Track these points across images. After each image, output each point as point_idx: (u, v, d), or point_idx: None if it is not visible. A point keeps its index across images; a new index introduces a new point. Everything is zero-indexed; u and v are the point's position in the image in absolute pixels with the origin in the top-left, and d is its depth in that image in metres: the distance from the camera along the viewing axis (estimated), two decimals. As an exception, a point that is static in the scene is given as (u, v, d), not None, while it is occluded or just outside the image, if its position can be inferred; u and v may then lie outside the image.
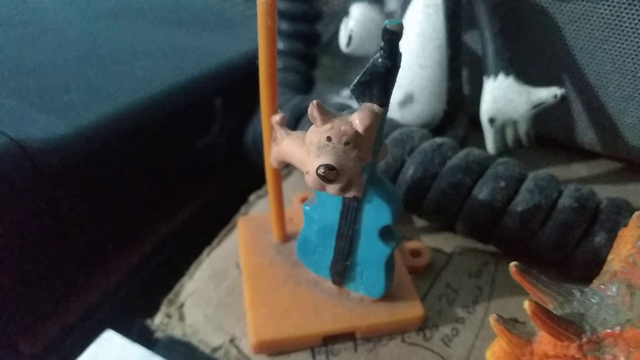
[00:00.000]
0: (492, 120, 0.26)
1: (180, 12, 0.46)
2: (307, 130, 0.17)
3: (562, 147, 0.32)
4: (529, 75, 0.27)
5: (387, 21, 0.15)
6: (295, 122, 0.28)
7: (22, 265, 0.27)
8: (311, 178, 0.16)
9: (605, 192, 0.25)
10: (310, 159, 0.16)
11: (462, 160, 0.24)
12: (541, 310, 0.16)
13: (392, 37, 0.15)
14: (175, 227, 0.37)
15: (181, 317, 0.22)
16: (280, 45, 0.35)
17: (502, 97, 0.25)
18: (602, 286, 0.17)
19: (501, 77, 0.25)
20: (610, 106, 0.28)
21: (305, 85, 0.36)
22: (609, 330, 0.16)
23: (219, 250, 0.25)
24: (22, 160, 0.26)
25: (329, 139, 0.16)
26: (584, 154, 0.32)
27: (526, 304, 0.16)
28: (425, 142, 0.25)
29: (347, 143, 0.16)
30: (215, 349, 0.21)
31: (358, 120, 0.16)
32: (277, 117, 0.19)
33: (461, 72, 0.28)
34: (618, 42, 0.26)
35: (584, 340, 0.16)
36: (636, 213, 0.18)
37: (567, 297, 0.17)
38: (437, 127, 0.27)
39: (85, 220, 0.30)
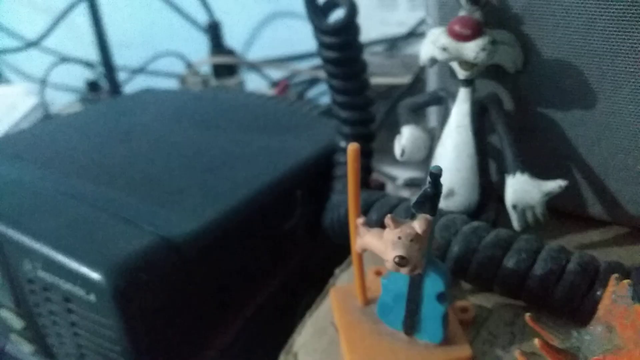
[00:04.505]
0: (514, 207, 0.34)
1: (259, 118, 0.57)
2: (381, 228, 0.26)
3: (577, 217, 0.40)
4: (542, 168, 0.36)
5: (432, 167, 0.24)
6: (364, 213, 0.37)
7: (164, 329, 0.37)
8: (390, 264, 0.25)
9: (611, 255, 0.33)
10: (388, 251, 0.26)
11: (494, 238, 0.32)
12: (546, 345, 0.24)
13: (435, 176, 0.24)
14: (268, 295, 0.46)
15: (297, 363, 0.31)
16: (344, 144, 0.45)
17: (520, 189, 0.34)
18: (591, 327, 0.25)
19: (518, 174, 0.34)
20: (611, 184, 0.37)
21: (364, 174, 0.45)
22: (597, 358, 0.24)
23: (317, 312, 0.34)
24: (168, 251, 0.36)
25: (399, 237, 0.25)
26: (595, 223, 0.40)
27: (536, 341, 0.24)
28: (465, 225, 0.33)
29: (412, 240, 0.25)
30: (324, 385, 0.30)
31: (418, 225, 0.25)
32: (360, 220, 0.29)
33: (489, 171, 0.37)
34: (612, 138, 0.35)
35: (580, 364, 0.24)
36: (613, 276, 0.26)
37: (567, 336, 0.26)
38: (474, 212, 0.36)
39: (207, 291, 0.40)
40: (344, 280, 0.37)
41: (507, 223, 0.36)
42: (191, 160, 0.47)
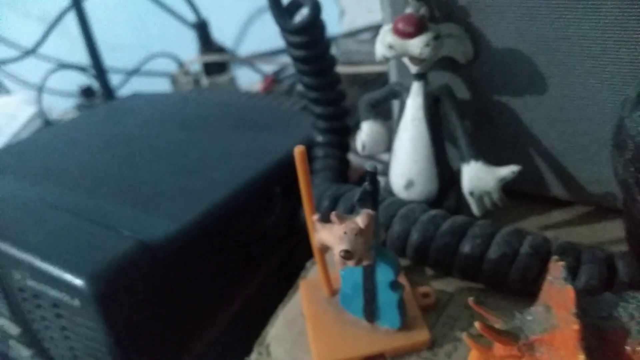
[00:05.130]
0: (471, 193, 0.36)
1: (241, 117, 0.58)
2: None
3: (541, 199, 0.41)
4: (502, 153, 0.37)
5: (367, 165, 0.26)
6: (333, 206, 0.39)
7: (142, 329, 0.39)
8: (337, 258, 0.27)
9: (574, 234, 0.34)
10: (335, 246, 0.27)
11: (450, 226, 0.34)
12: (486, 327, 0.25)
13: (371, 175, 0.26)
14: (253, 290, 0.48)
15: (269, 354, 0.33)
16: (320, 139, 0.47)
17: (475, 177, 0.35)
18: (533, 308, 0.27)
19: (472, 162, 0.35)
20: (570, 165, 0.38)
21: (341, 166, 0.47)
22: (536, 337, 0.26)
23: (289, 305, 0.36)
24: (147, 255, 0.38)
25: (345, 232, 0.27)
26: (559, 203, 0.41)
27: (476, 324, 0.25)
28: (424, 214, 0.35)
29: (356, 234, 0.27)
30: (293, 373, 0.32)
31: (361, 220, 0.27)
32: (315, 217, 0.30)
33: (447, 161, 0.38)
34: (566, 120, 0.36)
35: (521, 344, 0.26)
36: (553, 258, 0.27)
37: (512, 317, 0.27)
38: (435, 201, 0.38)
39: (189, 291, 0.42)
40: (315, 273, 0.38)
41: (469, 210, 0.37)
42: (172, 163, 0.49)
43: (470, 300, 0.27)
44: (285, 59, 0.92)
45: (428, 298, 0.34)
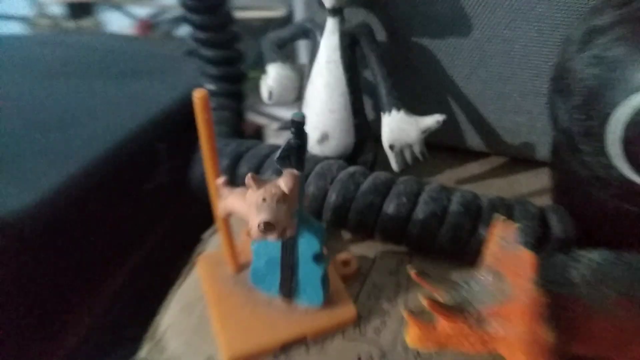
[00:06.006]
0: (391, 147, 0.32)
1: (115, 63, 0.50)
2: (246, 188, 0.22)
3: (456, 151, 0.39)
4: (419, 103, 0.34)
5: (293, 113, 0.20)
6: (234, 165, 0.33)
7: (18, 312, 0.31)
8: (254, 232, 0.21)
9: (492, 187, 0.32)
10: (252, 217, 0.22)
11: (371, 184, 0.30)
12: (434, 304, 0.22)
13: (298, 125, 0.20)
14: (139, 264, 0.41)
15: (163, 349, 0.27)
16: (212, 87, 0.40)
17: (396, 128, 0.31)
18: (482, 276, 0.23)
19: (394, 112, 0.31)
20: (489, 115, 0.35)
21: (236, 118, 0.40)
22: (487, 309, 0.22)
23: (184, 286, 0.30)
24: (3, 230, 0.30)
25: (264, 199, 0.21)
26: (474, 155, 0.38)
27: (422, 300, 0.22)
28: (342, 172, 0.30)
29: (278, 201, 0.21)
30: (196, 369, 0.26)
31: (284, 183, 0.21)
32: (220, 180, 0.24)
33: (364, 111, 0.34)
34: (488, 66, 0.33)
35: (470, 319, 0.23)
36: (497, 218, 0.24)
37: (457, 288, 0.24)
38: (351, 155, 0.33)
39: (59, 272, 0.34)
40: (215, 246, 0.32)
41: (386, 164, 0.33)
42: (36, 117, 0.40)
43: (413, 272, 0.23)
44: (163, 1, 0.82)
45: (349, 266, 0.30)
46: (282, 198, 0.21)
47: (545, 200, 0.33)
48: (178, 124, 0.43)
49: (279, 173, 0.22)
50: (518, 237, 0.22)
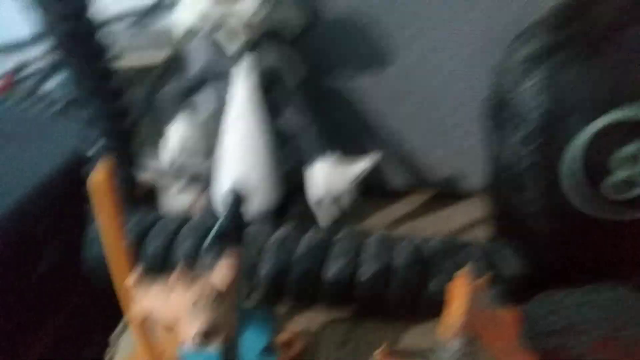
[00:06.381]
0: (319, 202, 0.29)
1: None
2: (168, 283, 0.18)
3: (376, 193, 0.36)
4: (340, 142, 0.31)
5: (231, 184, 0.16)
6: (139, 242, 0.28)
7: None
8: (191, 345, 0.17)
9: (426, 224, 0.31)
10: (184, 324, 0.17)
11: (305, 249, 0.26)
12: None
13: (236, 198, 0.16)
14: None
15: None
16: (95, 150, 0.34)
17: (323, 182, 0.28)
18: (450, 342, 0.21)
19: (320, 163, 0.28)
20: (410, 151, 0.33)
21: (129, 184, 0.35)
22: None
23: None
24: None
25: (196, 303, 0.17)
26: (395, 195, 0.36)
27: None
28: (270, 239, 0.26)
29: (215, 301, 0.17)
30: None
31: (219, 279, 0.17)
32: (132, 280, 0.19)
33: (289, 157, 0.30)
34: (409, 100, 0.31)
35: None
36: (459, 273, 0.21)
37: (427, 357, 0.21)
38: (277, 211, 0.29)
39: None
40: (128, 349, 0.27)
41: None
42: None
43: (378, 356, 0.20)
44: (26, 53, 0.73)
45: (293, 347, 0.26)
46: (219, 297, 0.17)
47: (482, 233, 0.31)
48: (61, 198, 0.37)
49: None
50: (493, 296, 0.20)
